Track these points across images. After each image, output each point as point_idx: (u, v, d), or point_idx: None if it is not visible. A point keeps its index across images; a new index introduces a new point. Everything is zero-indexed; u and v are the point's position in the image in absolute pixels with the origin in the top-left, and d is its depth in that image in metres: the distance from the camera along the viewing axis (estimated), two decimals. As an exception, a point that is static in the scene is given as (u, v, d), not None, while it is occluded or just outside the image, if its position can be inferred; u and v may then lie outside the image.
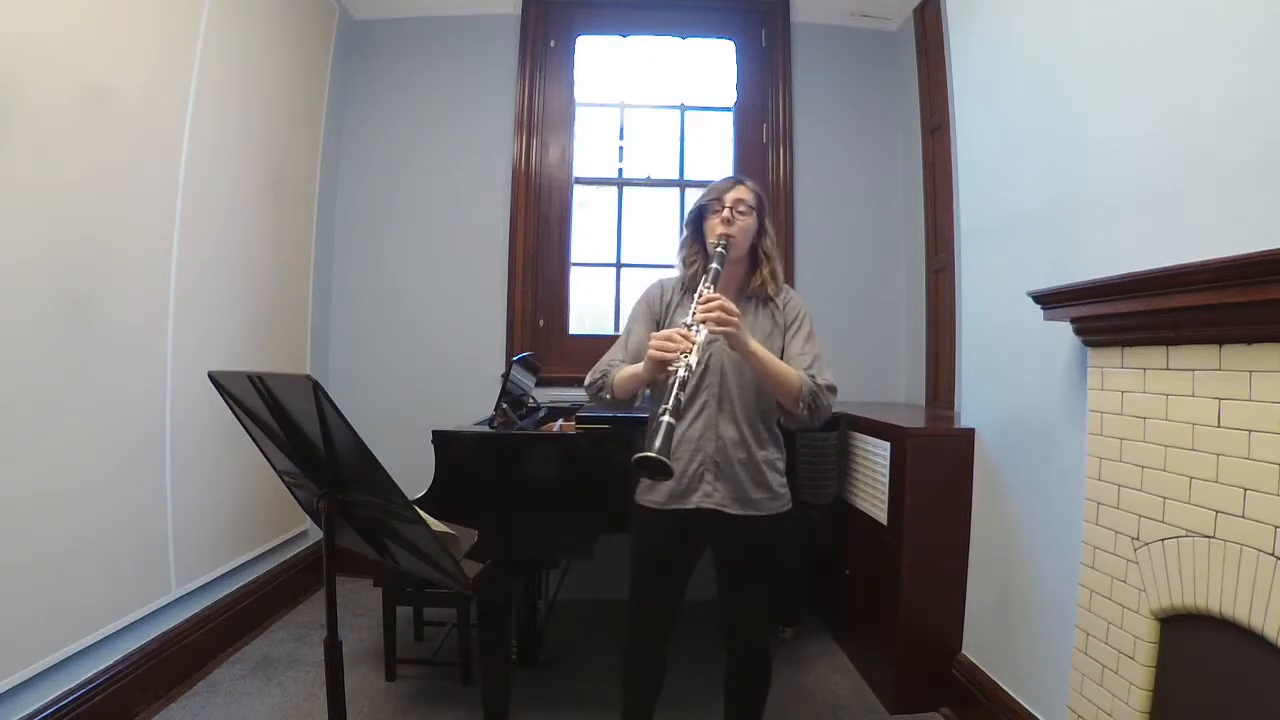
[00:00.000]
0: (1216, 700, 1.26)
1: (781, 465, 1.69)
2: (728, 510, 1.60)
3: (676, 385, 1.39)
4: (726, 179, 1.71)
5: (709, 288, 1.52)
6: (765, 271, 1.68)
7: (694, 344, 1.43)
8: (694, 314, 1.48)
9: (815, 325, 1.69)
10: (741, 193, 1.66)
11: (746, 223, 1.65)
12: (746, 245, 1.67)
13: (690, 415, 1.62)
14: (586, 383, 1.71)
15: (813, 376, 1.58)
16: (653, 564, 1.69)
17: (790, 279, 3.39)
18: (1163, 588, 1.35)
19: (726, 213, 1.63)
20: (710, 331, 1.47)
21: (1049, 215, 1.89)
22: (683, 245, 1.75)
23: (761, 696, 1.74)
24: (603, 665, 2.48)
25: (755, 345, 1.53)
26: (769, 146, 3.50)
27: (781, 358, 1.63)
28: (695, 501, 1.61)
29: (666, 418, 1.35)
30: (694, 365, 1.42)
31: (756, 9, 3.53)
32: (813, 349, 1.64)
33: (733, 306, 1.48)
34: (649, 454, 1.30)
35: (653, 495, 1.65)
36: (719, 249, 1.60)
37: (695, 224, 1.72)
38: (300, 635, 2.72)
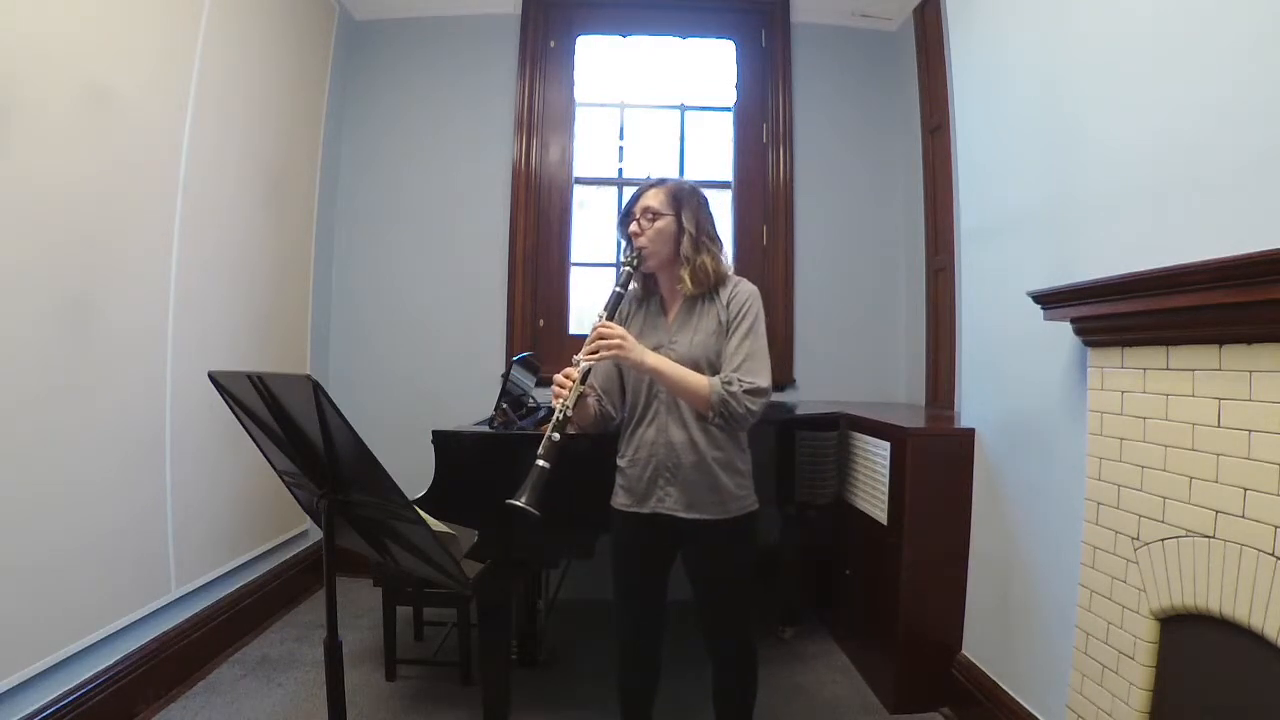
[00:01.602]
0: (1216, 700, 1.26)
1: (741, 465, 1.64)
2: (680, 514, 1.60)
3: (550, 427, 1.43)
4: (643, 183, 1.70)
5: (601, 315, 1.56)
6: (684, 272, 1.62)
7: (573, 383, 1.48)
8: (584, 348, 1.52)
9: (758, 320, 1.62)
10: (649, 199, 1.65)
11: (656, 229, 1.63)
12: (667, 250, 1.64)
13: (646, 420, 1.63)
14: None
15: (728, 384, 1.53)
16: (625, 566, 1.70)
17: (790, 279, 3.40)
18: (1163, 588, 1.35)
19: (634, 225, 1.64)
20: (592, 360, 1.50)
21: (1049, 215, 1.89)
22: (621, 255, 1.74)
23: (747, 697, 1.74)
24: (603, 665, 2.48)
25: (652, 361, 1.54)
26: (769, 146, 3.50)
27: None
28: (651, 506, 1.62)
29: (538, 461, 1.39)
30: (571, 406, 1.46)
31: (756, 9, 3.53)
32: (747, 347, 1.58)
33: (615, 330, 1.52)
34: (512, 502, 1.34)
35: (620, 499, 1.67)
36: (626, 267, 1.63)
37: (627, 236, 1.70)
38: (300, 635, 2.72)
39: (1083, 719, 1.57)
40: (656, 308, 1.72)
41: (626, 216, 1.68)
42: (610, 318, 1.58)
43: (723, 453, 1.61)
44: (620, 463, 1.69)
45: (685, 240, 1.63)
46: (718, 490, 1.60)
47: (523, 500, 1.34)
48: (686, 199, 1.65)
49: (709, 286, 1.64)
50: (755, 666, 1.74)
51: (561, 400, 1.46)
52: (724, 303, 1.64)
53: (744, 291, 1.64)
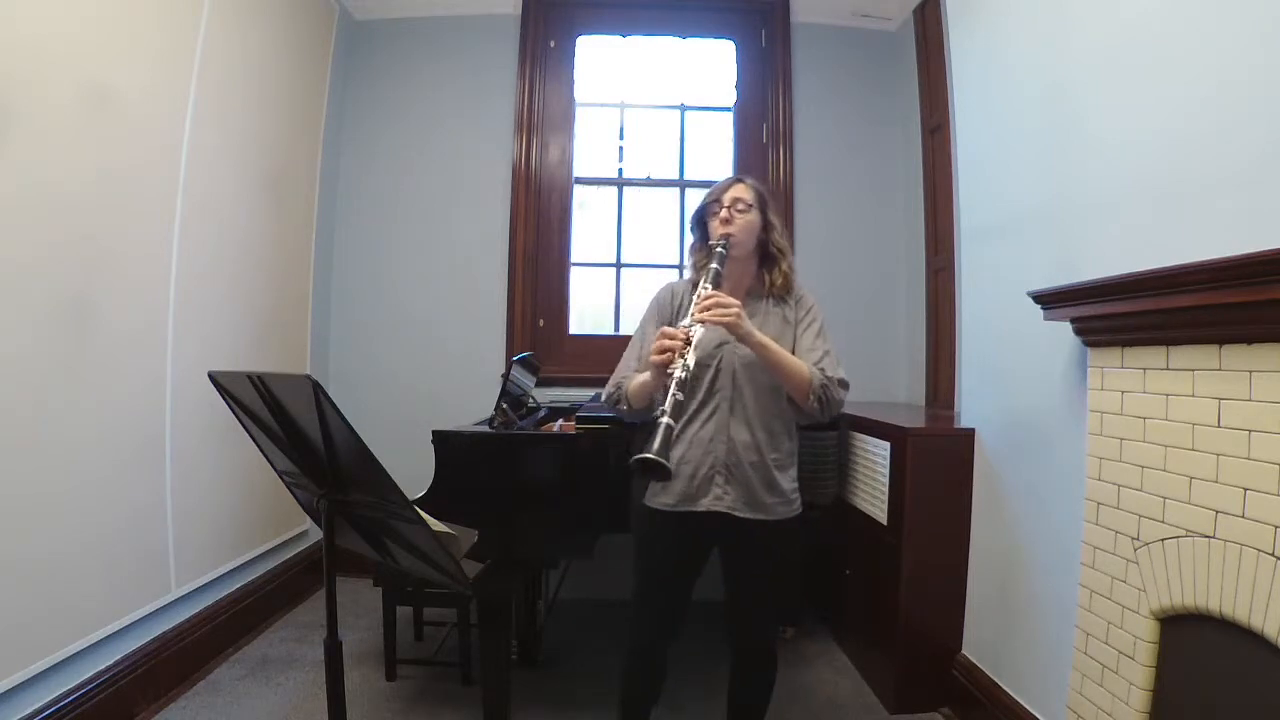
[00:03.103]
0: (1216, 700, 1.26)
1: (793, 470, 1.69)
2: (738, 514, 1.60)
3: (674, 386, 1.41)
4: (726, 179, 1.73)
5: (706, 287, 1.54)
6: (783, 267, 1.69)
7: (690, 343, 1.45)
8: (691, 314, 1.50)
9: (827, 322, 1.69)
10: (739, 191, 1.68)
11: (746, 220, 1.65)
12: (751, 242, 1.68)
13: (702, 418, 1.62)
14: (604, 397, 1.74)
15: (822, 370, 1.58)
16: (660, 567, 1.68)
17: (790, 279, 3.40)
18: (1163, 588, 1.35)
19: (724, 212, 1.65)
20: (708, 322, 1.48)
21: (1049, 215, 1.89)
22: (691, 250, 1.77)
23: (765, 696, 1.75)
24: (603, 665, 2.48)
25: (761, 335, 1.54)
26: (769, 146, 3.49)
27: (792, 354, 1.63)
28: (706, 504, 1.61)
29: (665, 419, 1.36)
30: (690, 365, 1.43)
31: (756, 9, 3.52)
32: (823, 344, 1.64)
33: (730, 299, 1.51)
34: (648, 455, 1.30)
35: (663, 498, 1.64)
36: (719, 249, 1.61)
37: (700, 228, 1.73)
38: (300, 635, 2.72)
39: (1083, 719, 1.57)
40: None
41: (710, 206, 1.70)
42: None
43: (780, 454, 1.65)
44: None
45: (775, 235, 1.70)
46: (777, 490, 1.63)
47: (653, 451, 1.31)
48: (768, 200, 1.72)
49: (788, 289, 1.70)
50: (776, 667, 1.75)
51: (683, 358, 1.44)
52: (792, 304, 1.70)
53: (810, 296, 1.73)
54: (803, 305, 1.70)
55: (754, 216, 1.67)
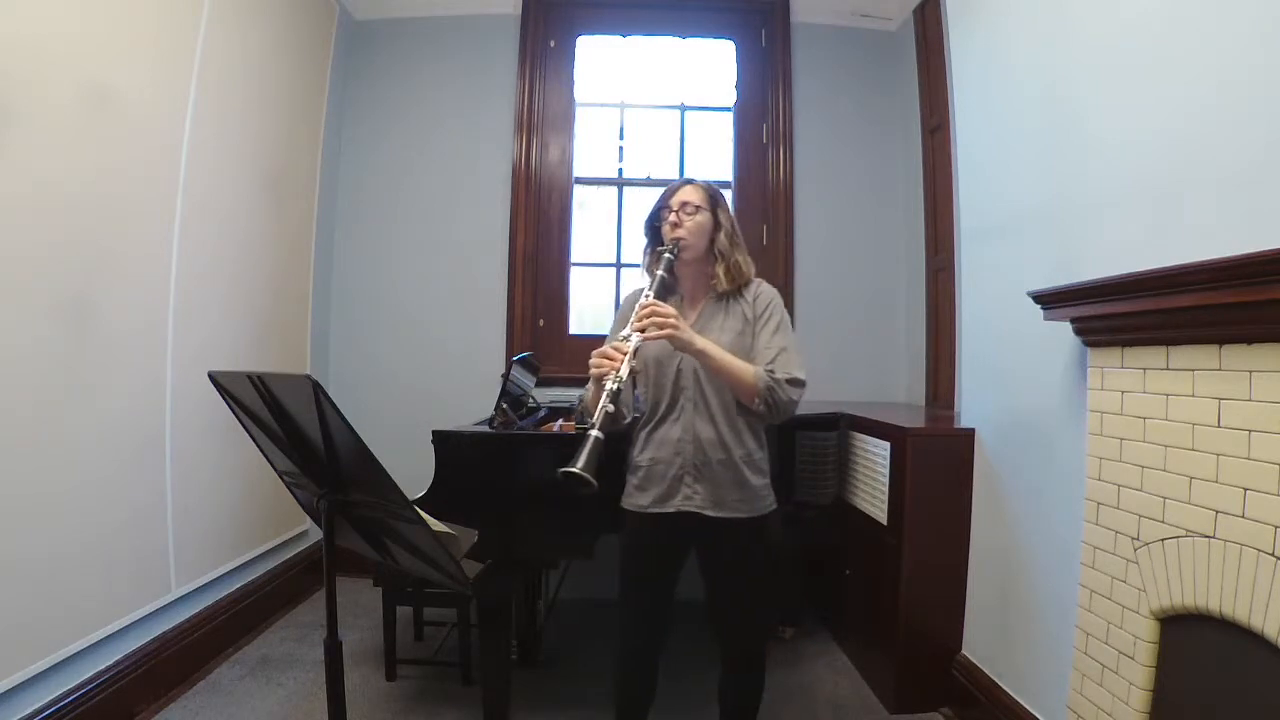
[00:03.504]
0: (1216, 700, 1.26)
1: (764, 465, 1.67)
2: (707, 513, 1.60)
3: (605, 398, 1.41)
4: (674, 182, 1.73)
5: (648, 295, 1.56)
6: (719, 269, 1.66)
7: (624, 355, 1.45)
8: (631, 325, 1.50)
9: (785, 316, 1.67)
10: (687, 194, 1.67)
11: (695, 222, 1.65)
12: (703, 244, 1.67)
13: (670, 418, 1.63)
14: (574, 414, 1.73)
15: (771, 371, 1.56)
16: (638, 568, 1.69)
17: (790, 279, 3.39)
18: (1163, 588, 1.35)
19: (674, 216, 1.65)
20: (643, 338, 1.48)
21: (1049, 215, 1.89)
22: (644, 254, 1.76)
23: (754, 698, 1.74)
24: (602, 665, 2.48)
25: (701, 343, 1.53)
26: (769, 146, 3.50)
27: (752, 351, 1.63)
28: (676, 505, 1.61)
29: (593, 432, 1.37)
30: (624, 376, 1.44)
31: (756, 9, 3.53)
32: (780, 341, 1.62)
33: (667, 309, 1.50)
34: (570, 469, 1.31)
35: (637, 499, 1.66)
36: (667, 254, 1.62)
37: (653, 233, 1.73)
38: (300, 635, 2.72)
39: (1083, 719, 1.57)
40: (678, 306, 1.72)
41: (660, 211, 1.69)
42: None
43: (748, 451, 1.63)
44: (640, 461, 1.66)
45: (721, 236, 1.67)
46: (744, 488, 1.62)
47: (579, 466, 1.31)
48: (719, 198, 1.71)
49: (740, 285, 1.68)
50: (763, 667, 1.74)
51: (615, 372, 1.44)
52: (749, 300, 1.67)
53: (769, 290, 1.70)
54: (761, 300, 1.67)
55: (704, 218, 1.66)
